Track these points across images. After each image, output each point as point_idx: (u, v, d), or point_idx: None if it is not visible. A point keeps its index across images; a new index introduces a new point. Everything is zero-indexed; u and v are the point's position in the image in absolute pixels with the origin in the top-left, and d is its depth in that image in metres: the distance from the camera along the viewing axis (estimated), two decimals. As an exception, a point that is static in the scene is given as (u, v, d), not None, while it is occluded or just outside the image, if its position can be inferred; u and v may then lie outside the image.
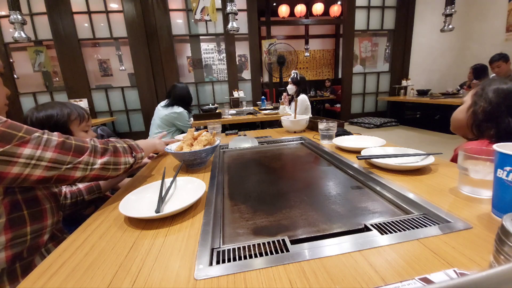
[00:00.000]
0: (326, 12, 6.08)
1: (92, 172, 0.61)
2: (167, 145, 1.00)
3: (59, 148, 0.55)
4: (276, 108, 3.07)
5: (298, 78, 2.96)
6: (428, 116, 4.48)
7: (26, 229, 0.57)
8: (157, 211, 0.57)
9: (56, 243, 0.63)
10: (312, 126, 1.51)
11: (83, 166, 0.59)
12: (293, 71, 3.13)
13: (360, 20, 5.14)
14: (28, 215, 0.57)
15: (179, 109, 2.37)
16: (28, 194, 0.59)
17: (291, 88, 3.01)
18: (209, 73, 5.01)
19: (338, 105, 5.80)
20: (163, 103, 2.47)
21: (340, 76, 6.80)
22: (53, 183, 0.57)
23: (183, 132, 2.43)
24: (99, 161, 0.62)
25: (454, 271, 0.35)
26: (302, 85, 2.96)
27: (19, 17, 2.58)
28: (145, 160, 1.10)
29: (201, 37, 4.80)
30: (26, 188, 0.59)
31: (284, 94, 3.15)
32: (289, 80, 3.04)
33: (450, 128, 0.89)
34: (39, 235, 0.59)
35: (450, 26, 3.09)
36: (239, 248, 0.47)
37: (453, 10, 2.99)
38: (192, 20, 4.52)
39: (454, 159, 0.82)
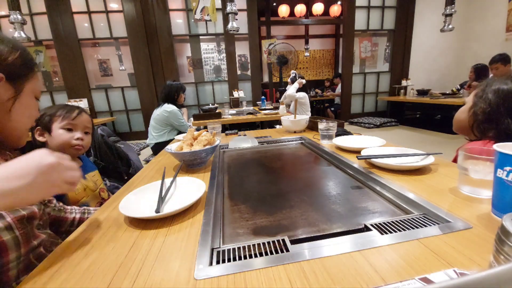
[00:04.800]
0: (326, 12, 6.08)
1: None
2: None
3: None
4: (276, 108, 3.07)
5: (297, 77, 2.98)
6: (428, 116, 4.48)
7: None
8: (157, 211, 0.57)
9: None
10: (312, 126, 1.51)
11: None
12: (292, 71, 3.13)
13: (360, 20, 5.14)
14: None
15: (169, 108, 2.38)
16: None
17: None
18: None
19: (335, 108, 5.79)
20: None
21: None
22: None
23: (179, 131, 2.44)
24: None
25: (454, 271, 0.35)
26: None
27: (19, 17, 2.58)
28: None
29: (201, 37, 4.80)
30: None
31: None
32: (289, 80, 3.05)
33: (453, 129, 0.90)
34: (1, 272, 0.48)
35: (450, 26, 3.09)
36: (239, 248, 0.47)
37: (453, 10, 2.99)
38: (192, 20, 4.52)
39: (455, 160, 0.82)
